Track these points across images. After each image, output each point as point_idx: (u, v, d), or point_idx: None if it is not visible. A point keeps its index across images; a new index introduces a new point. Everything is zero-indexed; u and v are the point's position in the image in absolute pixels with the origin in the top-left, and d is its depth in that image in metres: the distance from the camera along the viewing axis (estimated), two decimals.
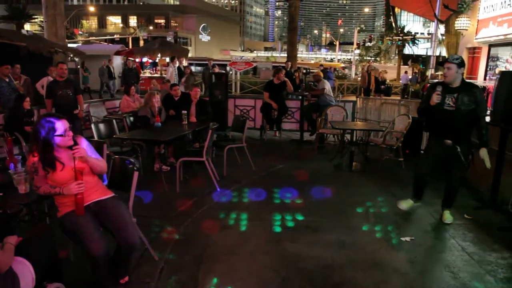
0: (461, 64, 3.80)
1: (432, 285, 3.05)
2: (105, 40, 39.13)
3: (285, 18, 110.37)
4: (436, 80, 6.68)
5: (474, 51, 11.68)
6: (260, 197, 4.90)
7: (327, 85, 8.20)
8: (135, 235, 2.73)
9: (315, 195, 5.02)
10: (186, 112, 5.91)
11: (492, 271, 3.25)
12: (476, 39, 11.22)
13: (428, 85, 5.87)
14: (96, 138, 5.07)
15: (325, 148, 7.81)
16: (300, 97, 8.86)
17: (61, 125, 2.60)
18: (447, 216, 4.23)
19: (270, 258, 3.40)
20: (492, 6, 10.53)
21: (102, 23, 55.61)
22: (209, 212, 4.38)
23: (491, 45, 11.24)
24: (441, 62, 4.04)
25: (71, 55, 20.26)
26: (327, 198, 4.92)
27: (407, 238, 3.83)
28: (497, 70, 11.09)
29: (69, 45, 18.58)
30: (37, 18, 35.69)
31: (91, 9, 48.38)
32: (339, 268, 3.26)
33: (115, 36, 43.65)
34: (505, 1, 9.87)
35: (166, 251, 3.42)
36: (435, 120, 4.01)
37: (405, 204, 4.46)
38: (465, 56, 12.13)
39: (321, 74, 8.72)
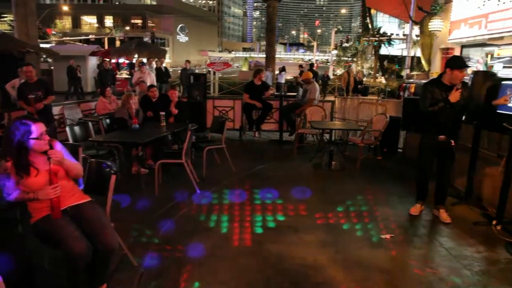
0: None
1: (413, 281, 3.10)
2: (80, 41, 38.28)
3: (263, 19, 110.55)
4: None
5: (447, 51, 12.00)
6: (240, 198, 4.87)
7: (317, 92, 8.09)
8: (113, 239, 2.66)
9: (296, 195, 5.03)
10: (164, 113, 5.82)
11: (468, 265, 3.33)
12: (449, 40, 11.52)
13: (404, 84, 6.05)
14: (71, 141, 4.94)
15: (304, 148, 7.85)
16: (279, 98, 8.86)
17: (37, 128, 2.52)
18: (446, 216, 4.26)
19: (252, 259, 3.38)
20: (463, 8, 10.84)
21: (76, 23, 54.39)
22: (189, 215, 4.32)
23: (463, 46, 11.57)
24: (462, 65, 4.04)
25: (44, 56, 19.73)
26: (307, 198, 4.93)
27: (387, 236, 3.88)
28: (469, 70, 11.42)
29: (42, 45, 18.08)
30: (6, 17, 34.60)
31: (65, 8, 47.23)
32: (321, 268, 3.26)
33: (90, 37, 42.80)
34: (475, 4, 10.18)
35: (146, 256, 3.35)
36: (435, 117, 4.10)
37: (415, 209, 4.47)
38: (439, 56, 12.45)
39: (311, 75, 8.58)
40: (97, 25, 53.37)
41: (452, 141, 4.15)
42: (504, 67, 10.89)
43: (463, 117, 4.21)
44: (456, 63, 4.01)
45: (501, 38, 9.42)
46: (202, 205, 4.61)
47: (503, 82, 4.06)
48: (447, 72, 4.06)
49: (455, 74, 3.96)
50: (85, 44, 32.40)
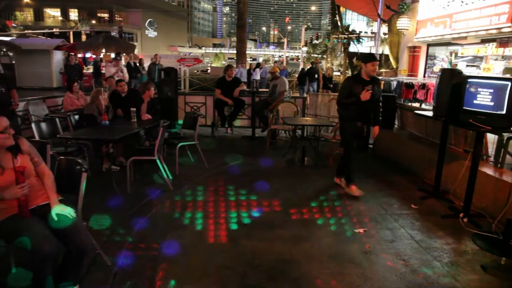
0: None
1: (386, 273, 3.17)
2: (43, 34, 36.73)
3: (233, 15, 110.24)
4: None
5: (414, 49, 12.33)
6: (214, 195, 4.84)
7: (286, 84, 8.16)
8: (86, 239, 2.56)
9: (270, 191, 5.04)
10: (135, 109, 5.68)
11: (438, 257, 3.45)
12: (416, 38, 11.83)
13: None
14: (37, 138, 4.73)
15: (277, 144, 7.88)
16: (252, 94, 8.84)
17: None
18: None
19: (227, 256, 3.36)
20: (429, 8, 11.17)
21: (38, 16, 52.06)
22: (163, 212, 4.25)
23: (429, 45, 11.92)
24: (370, 59, 4.80)
25: (4, 49, 18.80)
26: (281, 194, 4.94)
27: (360, 230, 3.95)
28: (435, 68, 11.81)
29: (1, 38, 17.23)
30: None
31: (26, 0, 45.09)
32: (296, 263, 3.29)
33: (54, 30, 41.13)
34: (440, 4, 10.51)
35: (120, 255, 3.26)
36: (353, 107, 4.82)
37: (355, 189, 4.97)
38: (406, 54, 12.77)
39: (278, 70, 8.61)
40: (61, 18, 51.37)
41: (365, 126, 5.11)
42: (467, 65, 11.32)
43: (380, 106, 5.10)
44: (368, 58, 4.81)
45: (465, 37, 9.75)
46: (175, 202, 4.54)
47: (469, 80, 4.20)
48: (362, 67, 4.84)
49: (368, 67, 4.73)
50: (49, 38, 31.06)
